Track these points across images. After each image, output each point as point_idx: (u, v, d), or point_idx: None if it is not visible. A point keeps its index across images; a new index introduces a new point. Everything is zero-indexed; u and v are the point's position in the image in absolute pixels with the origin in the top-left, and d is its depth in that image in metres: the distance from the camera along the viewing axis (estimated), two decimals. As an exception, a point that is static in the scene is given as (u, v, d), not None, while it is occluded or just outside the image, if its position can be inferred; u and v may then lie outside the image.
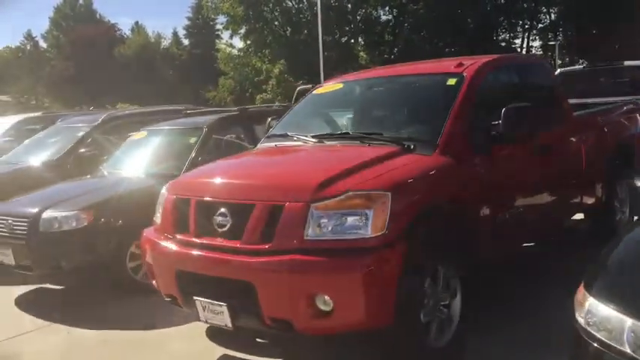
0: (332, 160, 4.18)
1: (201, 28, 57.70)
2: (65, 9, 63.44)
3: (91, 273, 5.76)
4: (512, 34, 53.00)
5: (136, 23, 61.92)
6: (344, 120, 5.23)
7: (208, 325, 4.69)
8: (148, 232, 4.47)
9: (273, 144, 4.89)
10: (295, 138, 4.71)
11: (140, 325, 5.08)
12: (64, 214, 5.69)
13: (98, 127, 8.50)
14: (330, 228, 3.45)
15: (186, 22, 57.52)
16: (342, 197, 3.48)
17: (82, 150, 8.13)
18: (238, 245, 3.67)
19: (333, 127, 5.06)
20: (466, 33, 45.22)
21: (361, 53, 47.49)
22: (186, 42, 59.89)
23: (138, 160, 6.97)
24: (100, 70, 53.39)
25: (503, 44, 52.57)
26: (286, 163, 4.52)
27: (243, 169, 4.53)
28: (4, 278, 6.39)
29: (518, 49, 52.37)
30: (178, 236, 4.05)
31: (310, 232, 3.47)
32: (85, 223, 5.64)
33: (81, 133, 8.39)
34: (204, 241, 3.87)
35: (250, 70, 48.89)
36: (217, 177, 4.20)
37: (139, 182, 6.30)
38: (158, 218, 4.41)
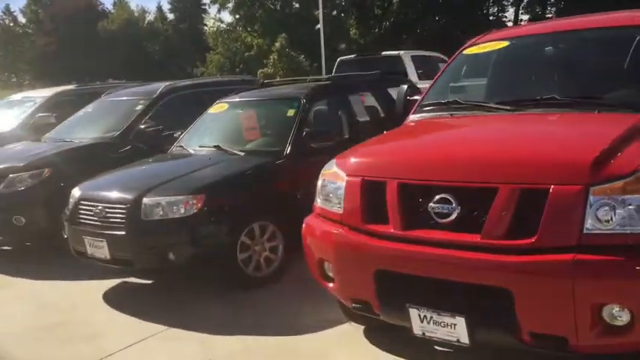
0: (573, 132, 3.36)
1: (186, 1, 55.79)
2: (44, -18, 60.84)
3: (201, 267, 4.91)
4: (500, 7, 52.33)
5: (119, -1, 59.69)
6: (508, 85, 4.38)
7: (362, 327, 3.97)
8: (313, 222, 3.65)
9: (442, 114, 4.06)
10: (481, 106, 3.89)
11: (276, 328, 4.28)
12: (169, 199, 4.82)
13: (157, 100, 7.55)
14: (617, 218, 2.67)
15: (172, -4, 55.50)
16: (631, 178, 2.70)
17: (143, 126, 7.19)
18: (478, 240, 2.87)
19: (509, 91, 4.20)
20: (453, 6, 44.42)
21: (352, 29, 46.34)
22: (171, 17, 57.93)
23: (227, 135, 6.10)
24: (82, 45, 51.41)
25: (491, 18, 51.96)
26: (511, 135, 3.54)
27: (460, 143, 3.56)
28: (73, 270, 5.58)
29: (509, 23, 51.79)
30: (372, 228, 3.24)
31: (590, 224, 2.68)
32: (195, 210, 4.78)
33: (139, 107, 7.44)
34: (418, 235, 3.06)
35: (240, 45, 47.57)
36: (427, 154, 3.37)
37: (244, 161, 5.45)
38: (323, 203, 3.60)
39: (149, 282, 5.53)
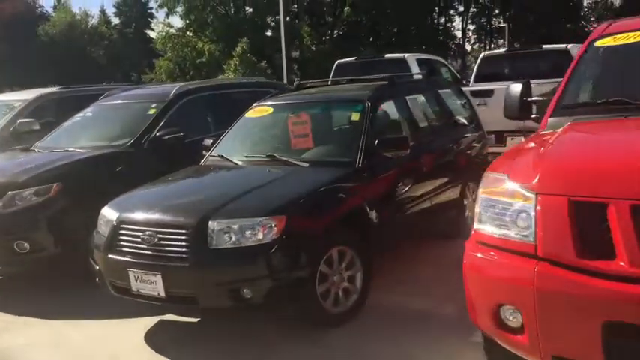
0: None
1: (132, 5, 53.73)
2: (-23, -16, 57.46)
3: (277, 303, 3.99)
4: (447, 18, 52.94)
5: (58, 0, 57.01)
6: None
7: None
8: (482, 253, 2.83)
9: (608, 116, 3.32)
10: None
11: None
12: (243, 222, 3.88)
13: (172, 103, 6.54)
14: None
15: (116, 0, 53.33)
16: None
17: (160, 133, 6.16)
18: None
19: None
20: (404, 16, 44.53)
21: (305, 35, 45.67)
22: (115, 21, 55.70)
23: (279, 143, 5.19)
24: (20, 50, 48.64)
25: (440, 28, 52.52)
26: None
27: None
28: (94, 305, 4.59)
29: (457, 33, 52.50)
30: (592, 264, 2.45)
31: None
32: (274, 235, 3.86)
33: (152, 111, 6.40)
34: (669, 274, 2.30)
35: (190, 50, 46.16)
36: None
37: (314, 175, 4.55)
38: (493, 229, 2.79)
39: (195, 320, 4.56)
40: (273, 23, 46.27)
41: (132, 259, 4.07)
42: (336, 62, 11.40)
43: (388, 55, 11.42)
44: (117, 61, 51.18)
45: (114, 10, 54.94)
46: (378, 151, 4.77)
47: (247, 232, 3.86)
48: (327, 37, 48.18)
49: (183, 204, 4.27)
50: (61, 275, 5.37)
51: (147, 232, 4.05)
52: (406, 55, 10.52)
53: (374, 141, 4.76)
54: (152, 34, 54.30)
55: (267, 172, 4.68)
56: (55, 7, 55.55)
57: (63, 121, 7.64)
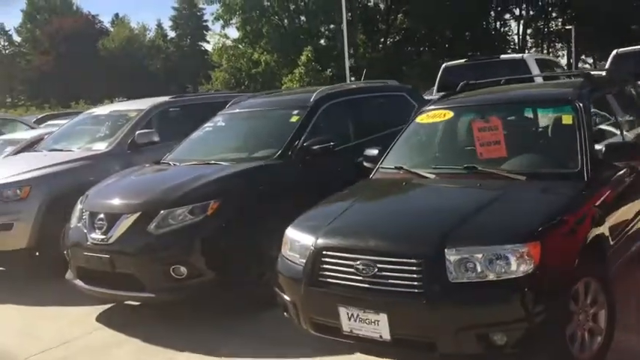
0: None
1: (187, 19, 54.07)
2: (39, 1, 59.03)
3: (530, 350, 3.21)
4: (502, 22, 51.50)
5: (116, 15, 58.00)
6: None
7: None
8: None
9: None
10: None
11: None
12: (491, 250, 3.12)
13: (314, 110, 5.85)
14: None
15: (173, 13, 53.76)
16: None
17: (307, 142, 5.48)
18: None
19: None
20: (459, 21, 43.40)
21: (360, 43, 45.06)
22: (172, 34, 56.14)
23: (472, 152, 4.42)
24: (81, 64, 49.51)
25: (493, 32, 51.05)
26: None
27: None
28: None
29: (514, 37, 51.05)
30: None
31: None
32: (530, 267, 3.09)
33: (295, 119, 5.71)
34: None
35: (246, 61, 46.16)
36: None
37: (542, 191, 3.76)
38: None
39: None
40: (326, 32, 45.84)
41: (344, 294, 3.36)
42: (444, 65, 10.60)
43: (503, 56, 10.59)
44: (174, 74, 51.51)
45: (170, 23, 55.38)
46: (603, 160, 3.97)
47: (498, 263, 3.10)
48: (381, 45, 47.46)
49: (403, 227, 3.53)
50: (223, 304, 4.71)
51: (361, 262, 3.32)
52: (524, 55, 9.67)
53: (593, 147, 3.97)
54: (207, 46, 54.66)
55: (479, 188, 3.91)
56: (113, 22, 56.47)
57: (177, 131, 7.14)
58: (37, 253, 6.25)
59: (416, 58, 46.95)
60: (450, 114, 4.77)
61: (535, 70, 9.56)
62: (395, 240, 3.38)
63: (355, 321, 3.32)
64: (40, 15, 58.07)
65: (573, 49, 38.51)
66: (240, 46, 45.89)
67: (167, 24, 56.33)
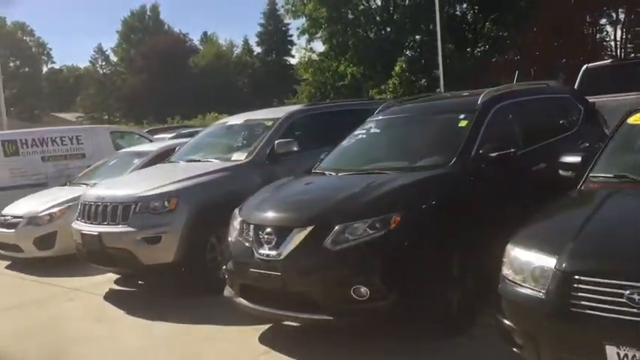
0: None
1: (273, 34, 54.80)
2: (133, 21, 61.54)
3: None
4: (596, 28, 48.83)
5: (205, 33, 59.57)
6: None
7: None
8: None
9: None
10: None
11: None
12: None
13: (483, 114, 5.25)
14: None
15: (259, 29, 54.62)
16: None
17: (482, 149, 4.88)
18: None
19: None
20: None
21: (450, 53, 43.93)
22: (258, 50, 57.03)
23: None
24: (173, 82, 51.03)
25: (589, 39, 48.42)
26: None
27: None
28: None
29: (611, 43, 48.42)
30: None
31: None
32: None
33: (464, 124, 5.14)
34: None
35: (331, 74, 46.09)
36: None
37: None
38: None
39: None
40: (412, 43, 44.96)
41: (613, 329, 2.73)
42: (585, 66, 9.71)
43: None
44: (260, 88, 52.19)
45: (256, 39, 56.26)
46: None
47: None
48: (469, 54, 46.06)
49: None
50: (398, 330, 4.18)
51: (634, 291, 2.68)
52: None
53: None
54: (292, 61, 55.08)
55: None
56: (201, 40, 57.97)
57: (313, 140, 6.75)
58: (183, 268, 5.94)
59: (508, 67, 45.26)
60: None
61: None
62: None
63: (627, 362, 2.68)
64: (134, 35, 60.50)
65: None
66: (325, 59, 45.86)
67: (253, 40, 57.30)
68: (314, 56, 46.29)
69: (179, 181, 6.18)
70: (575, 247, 3.00)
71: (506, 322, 3.21)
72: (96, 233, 6.11)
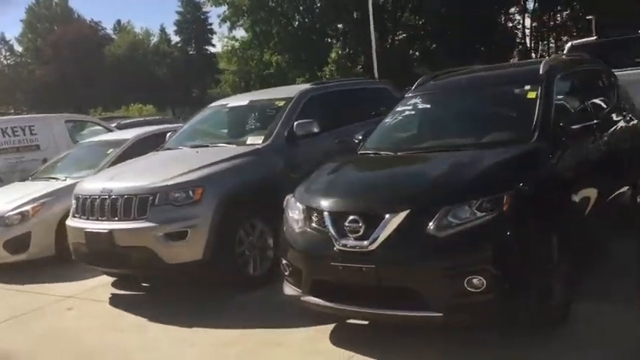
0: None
1: (192, 22, 52.78)
2: (39, 9, 57.51)
3: None
4: (507, 16, 50.57)
5: (118, 22, 56.75)
6: None
7: None
8: None
9: None
10: None
11: None
12: None
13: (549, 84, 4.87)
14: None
15: (177, 18, 52.35)
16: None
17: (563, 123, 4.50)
18: None
19: None
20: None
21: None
22: (176, 38, 54.78)
23: None
24: (86, 72, 48.21)
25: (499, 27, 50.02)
26: None
27: None
28: None
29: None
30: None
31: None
32: None
33: (531, 96, 4.73)
34: None
35: (255, 63, 45.19)
36: None
37: None
38: None
39: None
40: (336, 32, 44.68)
41: None
42: (570, 43, 9.64)
43: None
44: (180, 78, 50.30)
45: (174, 28, 54.03)
46: None
47: None
48: (390, 42, 46.38)
49: None
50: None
51: None
52: (667, 31, 8.70)
53: None
54: (213, 50, 53.54)
55: None
56: (115, 29, 55.19)
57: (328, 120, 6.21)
58: (212, 265, 5.20)
59: (415, 56, 46.16)
60: None
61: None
62: None
63: None
64: (40, 24, 56.61)
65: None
66: (249, 47, 44.78)
67: (171, 29, 54.99)
68: (237, 45, 45.09)
69: (200, 168, 5.39)
70: None
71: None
72: (106, 231, 5.20)
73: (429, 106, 5.26)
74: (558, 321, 3.91)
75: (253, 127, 6.43)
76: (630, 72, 7.09)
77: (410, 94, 5.50)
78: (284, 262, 4.31)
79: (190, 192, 5.12)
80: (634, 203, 5.58)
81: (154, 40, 54.31)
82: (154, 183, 5.22)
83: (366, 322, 4.28)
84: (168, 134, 7.07)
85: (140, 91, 46.01)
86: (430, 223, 3.64)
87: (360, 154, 4.97)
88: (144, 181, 5.35)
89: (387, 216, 3.73)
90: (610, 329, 3.77)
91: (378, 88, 7.58)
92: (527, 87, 4.82)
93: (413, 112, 5.26)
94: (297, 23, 44.46)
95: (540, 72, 4.91)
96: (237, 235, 5.30)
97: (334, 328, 4.33)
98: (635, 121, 5.79)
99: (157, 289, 5.98)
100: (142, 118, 18.46)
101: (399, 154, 4.74)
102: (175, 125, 8.52)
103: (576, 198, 4.33)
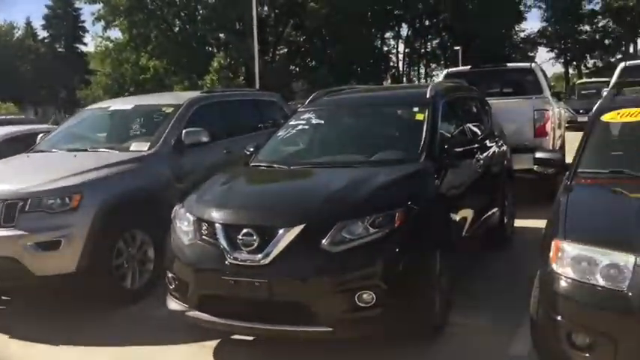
0: None
1: (62, 18, 49.60)
2: None
3: None
4: (383, 42, 52.95)
5: (-24, 11, 52.02)
6: None
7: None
8: None
9: None
10: None
11: None
12: None
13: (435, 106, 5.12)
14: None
15: (46, 12, 48.94)
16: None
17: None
18: None
19: None
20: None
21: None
22: (44, 34, 51.12)
23: None
24: None
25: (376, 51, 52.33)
26: None
27: None
28: None
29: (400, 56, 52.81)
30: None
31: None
32: None
33: (419, 117, 4.95)
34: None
35: (131, 66, 43.58)
36: None
37: None
38: None
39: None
40: (217, 41, 44.20)
41: None
42: (446, 71, 10.23)
43: (511, 65, 10.42)
44: (46, 76, 47.01)
45: (42, 22, 50.45)
46: None
47: None
48: (270, 56, 46.69)
49: None
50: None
51: None
52: (532, 64, 9.53)
53: None
54: (84, 49, 50.80)
55: None
56: (-27, 19, 50.61)
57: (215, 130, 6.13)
58: (86, 278, 4.84)
59: (306, 72, 47.02)
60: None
61: (542, 79, 9.38)
62: None
63: None
64: None
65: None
66: (125, 49, 43.00)
67: (39, 23, 51.36)
68: (111, 46, 43.15)
69: (78, 173, 5.02)
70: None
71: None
72: (-36, 239, 4.67)
73: (322, 121, 5.32)
74: (435, 333, 4.08)
75: (138, 132, 6.12)
76: (500, 100, 7.65)
77: (303, 109, 5.54)
78: (169, 275, 4.12)
79: (67, 198, 4.74)
80: (501, 224, 6.01)
81: (18, 33, 50.38)
82: (26, 187, 4.78)
83: (251, 338, 4.21)
84: (40, 135, 6.53)
85: (1, 86, 42.40)
86: (324, 239, 3.66)
87: (253, 166, 4.91)
88: (14, 184, 4.88)
89: (282, 230, 3.69)
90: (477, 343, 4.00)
91: (268, 100, 7.57)
92: (416, 109, 5.03)
93: (306, 127, 5.29)
94: (177, 29, 43.47)
95: (427, 95, 5.15)
96: (115, 246, 5.00)
97: (217, 345, 4.20)
98: (505, 147, 6.25)
99: (23, 303, 5.46)
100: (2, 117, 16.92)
101: (292, 168, 4.73)
102: (48, 126, 7.89)
103: (457, 217, 4.57)
